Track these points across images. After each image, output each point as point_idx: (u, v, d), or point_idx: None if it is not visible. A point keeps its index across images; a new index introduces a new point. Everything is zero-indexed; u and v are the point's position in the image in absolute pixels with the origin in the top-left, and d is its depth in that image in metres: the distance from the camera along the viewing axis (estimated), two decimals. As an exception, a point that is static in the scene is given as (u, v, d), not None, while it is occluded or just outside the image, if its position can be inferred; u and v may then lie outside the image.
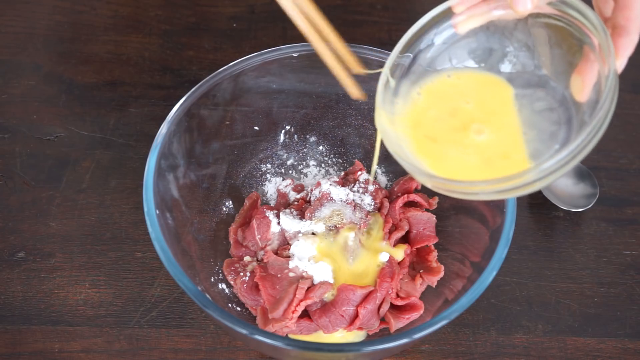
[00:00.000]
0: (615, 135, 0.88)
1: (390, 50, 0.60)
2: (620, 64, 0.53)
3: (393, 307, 0.70)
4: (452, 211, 0.75)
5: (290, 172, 0.82)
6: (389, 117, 0.58)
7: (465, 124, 0.57)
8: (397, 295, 0.70)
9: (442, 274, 0.70)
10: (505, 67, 0.59)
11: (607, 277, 0.77)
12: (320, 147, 0.82)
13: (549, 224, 0.81)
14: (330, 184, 0.75)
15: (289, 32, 0.95)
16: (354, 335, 0.69)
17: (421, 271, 0.71)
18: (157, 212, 0.63)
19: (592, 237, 0.80)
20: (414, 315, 0.69)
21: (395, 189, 0.77)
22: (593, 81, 0.52)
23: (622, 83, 0.91)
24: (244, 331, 0.58)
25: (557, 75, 0.56)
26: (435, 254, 0.73)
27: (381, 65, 0.60)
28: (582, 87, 0.53)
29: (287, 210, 0.75)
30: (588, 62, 0.53)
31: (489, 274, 0.60)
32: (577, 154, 0.49)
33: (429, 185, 0.55)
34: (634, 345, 0.73)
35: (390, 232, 0.73)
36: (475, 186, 0.52)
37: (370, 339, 0.69)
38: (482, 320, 0.74)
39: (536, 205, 0.82)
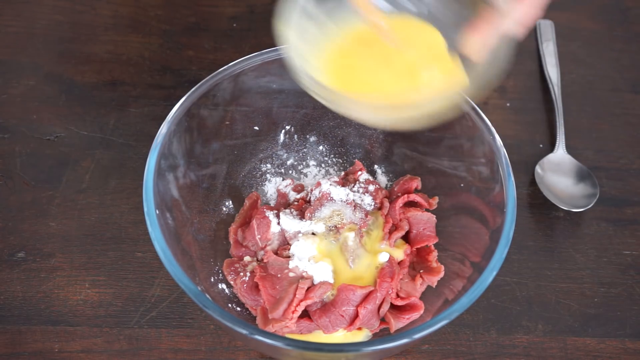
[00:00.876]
0: (615, 135, 0.88)
1: None
2: (519, 31, 0.57)
3: (393, 307, 0.70)
4: (452, 211, 0.75)
5: (290, 172, 0.82)
6: (298, 33, 0.60)
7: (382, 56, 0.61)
8: (397, 296, 0.70)
9: (442, 274, 0.70)
10: (408, 6, 0.63)
11: (607, 277, 0.77)
12: (320, 147, 0.82)
13: (549, 224, 0.80)
14: (330, 184, 0.75)
15: (289, 32, 0.95)
16: (362, 336, 0.69)
17: (421, 271, 0.71)
18: (157, 212, 0.63)
19: (592, 237, 0.80)
20: (414, 316, 0.68)
21: (395, 189, 0.77)
22: (483, 39, 0.57)
23: (622, 83, 0.92)
24: (244, 331, 0.58)
25: (449, 26, 0.61)
26: (435, 254, 0.73)
27: None
28: (471, 42, 0.57)
29: (287, 210, 0.75)
30: (482, 20, 0.57)
31: (489, 274, 0.60)
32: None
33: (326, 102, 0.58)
34: (634, 345, 0.73)
35: (390, 232, 0.73)
36: (356, 105, 0.56)
37: (370, 339, 0.69)
38: (482, 320, 0.74)
39: (536, 205, 0.81)
